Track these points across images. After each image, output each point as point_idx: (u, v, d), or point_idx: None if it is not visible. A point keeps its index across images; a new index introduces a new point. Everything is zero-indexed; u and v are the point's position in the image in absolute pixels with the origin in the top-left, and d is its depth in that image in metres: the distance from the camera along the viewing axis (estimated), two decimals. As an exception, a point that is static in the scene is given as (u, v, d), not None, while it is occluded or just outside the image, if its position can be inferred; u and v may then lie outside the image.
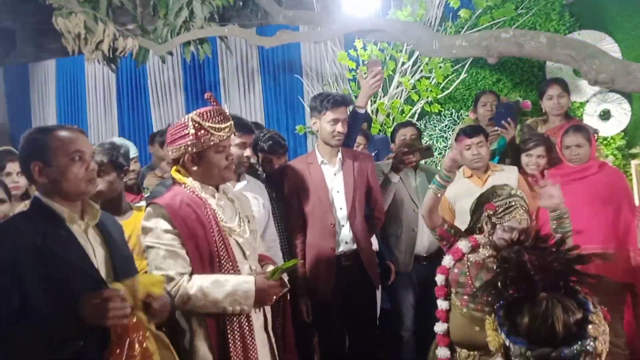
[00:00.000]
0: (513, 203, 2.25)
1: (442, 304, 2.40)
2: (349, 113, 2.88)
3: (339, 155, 2.83)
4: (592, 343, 1.16)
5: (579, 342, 1.16)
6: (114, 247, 1.72)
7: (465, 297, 2.30)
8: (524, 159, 3.20)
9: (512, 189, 2.33)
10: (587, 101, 4.15)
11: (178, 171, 2.04)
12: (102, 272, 1.66)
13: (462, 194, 3.06)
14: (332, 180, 2.81)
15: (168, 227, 1.91)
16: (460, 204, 3.03)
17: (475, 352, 2.29)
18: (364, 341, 2.86)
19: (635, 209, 2.93)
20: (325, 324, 2.82)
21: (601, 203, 2.88)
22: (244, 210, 2.17)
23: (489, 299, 1.37)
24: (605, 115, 4.09)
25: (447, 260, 2.38)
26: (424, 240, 3.21)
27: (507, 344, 1.25)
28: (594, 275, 1.27)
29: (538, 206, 3.01)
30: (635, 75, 2.74)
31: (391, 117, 4.85)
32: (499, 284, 1.31)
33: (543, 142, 3.19)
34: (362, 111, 2.93)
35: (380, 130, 4.91)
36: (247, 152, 2.54)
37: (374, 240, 3.16)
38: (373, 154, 3.70)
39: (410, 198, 3.29)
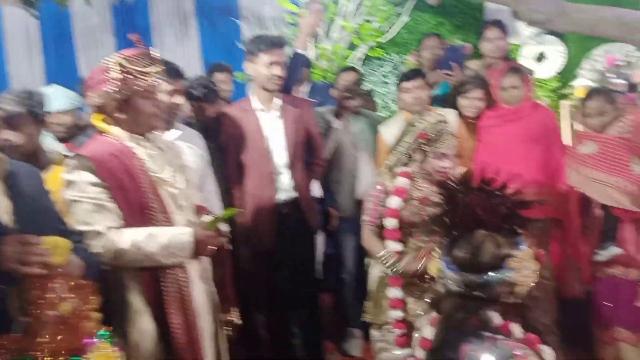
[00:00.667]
0: (442, 129, 2.30)
1: (395, 246, 2.34)
2: (286, 56, 2.78)
3: (277, 101, 2.74)
4: (511, 274, 1.30)
5: (500, 272, 1.30)
6: (21, 199, 1.60)
7: (418, 233, 2.32)
8: (462, 101, 3.21)
9: (438, 115, 2.37)
10: (523, 43, 4.20)
11: (102, 119, 1.91)
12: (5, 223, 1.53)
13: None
14: (270, 128, 2.73)
15: (93, 179, 1.81)
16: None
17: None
18: (305, 286, 2.87)
19: (565, 147, 3.02)
20: (267, 271, 2.80)
21: (534, 143, 2.96)
22: (176, 160, 2.08)
23: (438, 232, 1.49)
24: (540, 58, 4.16)
25: (396, 203, 2.32)
26: (366, 185, 3.21)
27: (445, 271, 1.40)
28: (537, 219, 1.40)
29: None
30: (571, 16, 2.77)
31: (334, 63, 4.77)
32: (447, 222, 1.42)
33: (481, 85, 3.20)
34: (301, 53, 2.83)
35: (323, 77, 4.82)
36: (178, 99, 2.42)
37: (316, 187, 3.14)
38: (315, 101, 3.64)
39: (351, 143, 3.28)
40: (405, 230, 2.33)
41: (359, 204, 3.21)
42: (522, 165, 2.94)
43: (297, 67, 2.89)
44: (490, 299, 1.32)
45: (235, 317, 2.28)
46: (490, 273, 1.31)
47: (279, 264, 2.81)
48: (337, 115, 3.07)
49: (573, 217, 2.97)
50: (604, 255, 2.80)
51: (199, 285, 2.01)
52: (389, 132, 3.18)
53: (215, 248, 2.02)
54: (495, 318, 1.33)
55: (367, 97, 3.12)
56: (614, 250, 2.79)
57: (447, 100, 3.43)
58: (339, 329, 3.46)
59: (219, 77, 3.55)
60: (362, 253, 3.20)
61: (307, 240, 2.89)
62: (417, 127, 2.31)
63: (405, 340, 2.28)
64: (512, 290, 1.32)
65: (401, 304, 2.30)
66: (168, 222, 1.91)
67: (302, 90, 4.21)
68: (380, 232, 2.36)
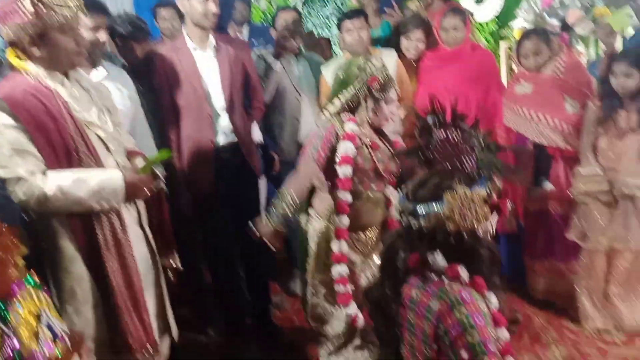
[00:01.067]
0: (388, 74, 2.21)
1: (346, 197, 2.20)
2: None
3: (212, 40, 2.61)
4: (441, 208, 1.22)
5: (434, 203, 1.22)
6: None
7: (369, 181, 2.25)
8: (404, 42, 3.19)
9: (381, 58, 2.26)
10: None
11: (17, 56, 1.76)
12: None
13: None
14: (206, 68, 2.60)
15: (10, 121, 1.68)
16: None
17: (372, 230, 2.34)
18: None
19: (502, 88, 3.07)
20: (208, 218, 2.75)
21: (473, 84, 3.00)
22: (103, 101, 1.96)
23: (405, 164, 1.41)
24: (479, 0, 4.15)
25: (349, 149, 2.17)
26: (308, 129, 3.17)
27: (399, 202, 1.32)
28: (507, 165, 1.34)
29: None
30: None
31: (274, 5, 4.60)
32: (422, 157, 1.37)
33: (422, 26, 3.18)
34: None
35: (263, 19, 4.66)
36: (102, 35, 2.26)
37: (257, 132, 3.08)
38: (253, 42, 3.52)
39: (293, 86, 3.21)
40: (357, 178, 2.21)
41: (301, 147, 3.19)
42: (461, 106, 2.97)
43: (228, 5, 2.74)
44: (431, 237, 1.23)
45: (175, 262, 2.25)
46: (427, 203, 1.23)
47: (221, 209, 2.76)
48: (277, 56, 2.96)
49: (509, 155, 3.06)
50: (537, 190, 2.91)
51: (135, 230, 1.96)
52: (332, 74, 3.13)
53: (149, 192, 1.96)
54: (440, 259, 1.24)
55: (309, 37, 3.01)
56: (547, 186, 2.91)
57: (388, 41, 3.39)
58: (284, 270, 3.49)
59: (163, 13, 3.32)
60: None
61: (249, 184, 2.84)
62: (367, 72, 2.16)
63: (348, 298, 2.20)
64: (443, 226, 1.22)
65: (345, 259, 2.20)
66: (98, 166, 1.82)
67: (242, 32, 4.07)
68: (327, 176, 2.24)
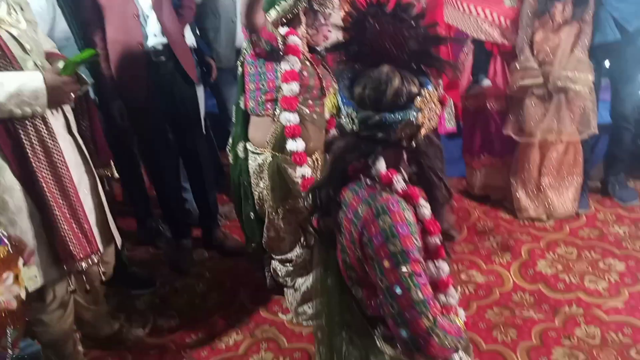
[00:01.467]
0: None
1: (292, 118, 2.03)
2: None
3: None
4: (415, 114, 1.15)
5: (403, 111, 1.15)
6: None
7: (311, 101, 2.08)
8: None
9: None
10: None
11: None
12: None
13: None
14: (128, -38, 2.39)
15: None
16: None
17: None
18: (191, 141, 2.76)
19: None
20: (145, 126, 2.64)
21: None
22: (13, -4, 1.77)
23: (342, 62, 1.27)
24: None
25: (294, 62, 2.00)
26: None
27: (340, 107, 1.22)
28: (447, 61, 1.24)
29: None
30: None
31: None
32: (353, 51, 1.22)
33: None
34: None
35: None
36: None
37: (190, 36, 2.91)
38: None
39: (229, -14, 3.02)
40: (302, 98, 2.05)
41: (239, 51, 3.05)
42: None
43: None
44: (388, 140, 1.17)
45: (112, 172, 2.17)
46: (395, 111, 1.14)
47: (157, 118, 2.64)
48: None
49: (449, 53, 3.06)
50: (476, 87, 2.95)
51: (65, 137, 1.86)
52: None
53: (74, 97, 1.84)
54: (381, 165, 1.19)
55: None
56: (485, 82, 2.95)
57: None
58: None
59: None
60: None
61: (186, 91, 2.70)
62: None
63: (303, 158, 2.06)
64: (412, 132, 1.18)
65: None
66: (14, 67, 1.68)
67: None
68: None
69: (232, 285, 2.72)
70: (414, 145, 1.21)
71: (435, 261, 1.29)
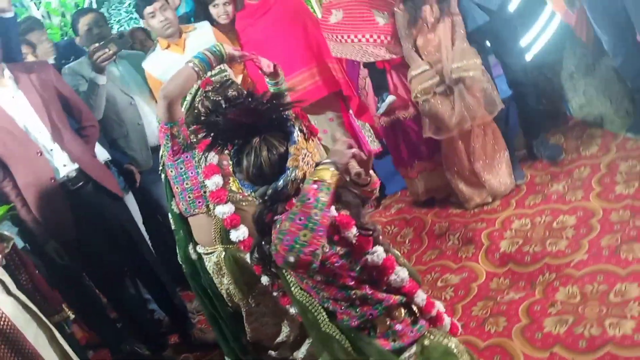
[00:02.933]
0: (227, 74, 2.03)
1: (226, 209, 1.95)
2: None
3: (7, 72, 2.37)
4: (294, 172, 1.28)
5: (285, 174, 1.28)
6: None
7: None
8: (213, 11, 3.13)
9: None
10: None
11: None
12: None
13: (169, 69, 2.89)
14: (14, 104, 2.37)
15: None
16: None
17: None
18: (138, 255, 2.75)
19: (318, 23, 3.14)
20: (87, 258, 2.60)
21: (290, 27, 3.05)
22: None
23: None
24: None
25: (212, 156, 1.94)
26: (153, 129, 3.04)
27: (243, 188, 1.35)
28: (297, 101, 1.38)
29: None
30: None
31: (68, 16, 4.27)
32: (218, 145, 1.34)
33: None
34: (7, 15, 2.42)
35: (62, 35, 4.31)
36: None
37: (102, 151, 2.90)
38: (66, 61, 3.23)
39: (122, 91, 3.04)
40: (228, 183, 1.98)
41: (155, 150, 3.04)
42: (289, 52, 3.04)
43: (7, 31, 2.44)
44: (286, 197, 1.29)
45: (66, 313, 2.12)
46: (279, 177, 1.27)
47: (97, 244, 2.60)
48: (99, 69, 2.75)
49: (348, 83, 3.20)
50: (383, 105, 3.07)
51: (5, 301, 1.80)
52: (155, 66, 3.00)
53: (0, 255, 1.80)
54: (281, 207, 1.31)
55: (121, 39, 2.81)
56: (390, 98, 3.07)
57: (197, 14, 3.31)
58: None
59: None
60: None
61: (115, 207, 2.68)
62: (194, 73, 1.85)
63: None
64: (301, 181, 1.28)
65: None
66: None
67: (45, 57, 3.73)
68: None
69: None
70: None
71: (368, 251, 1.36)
